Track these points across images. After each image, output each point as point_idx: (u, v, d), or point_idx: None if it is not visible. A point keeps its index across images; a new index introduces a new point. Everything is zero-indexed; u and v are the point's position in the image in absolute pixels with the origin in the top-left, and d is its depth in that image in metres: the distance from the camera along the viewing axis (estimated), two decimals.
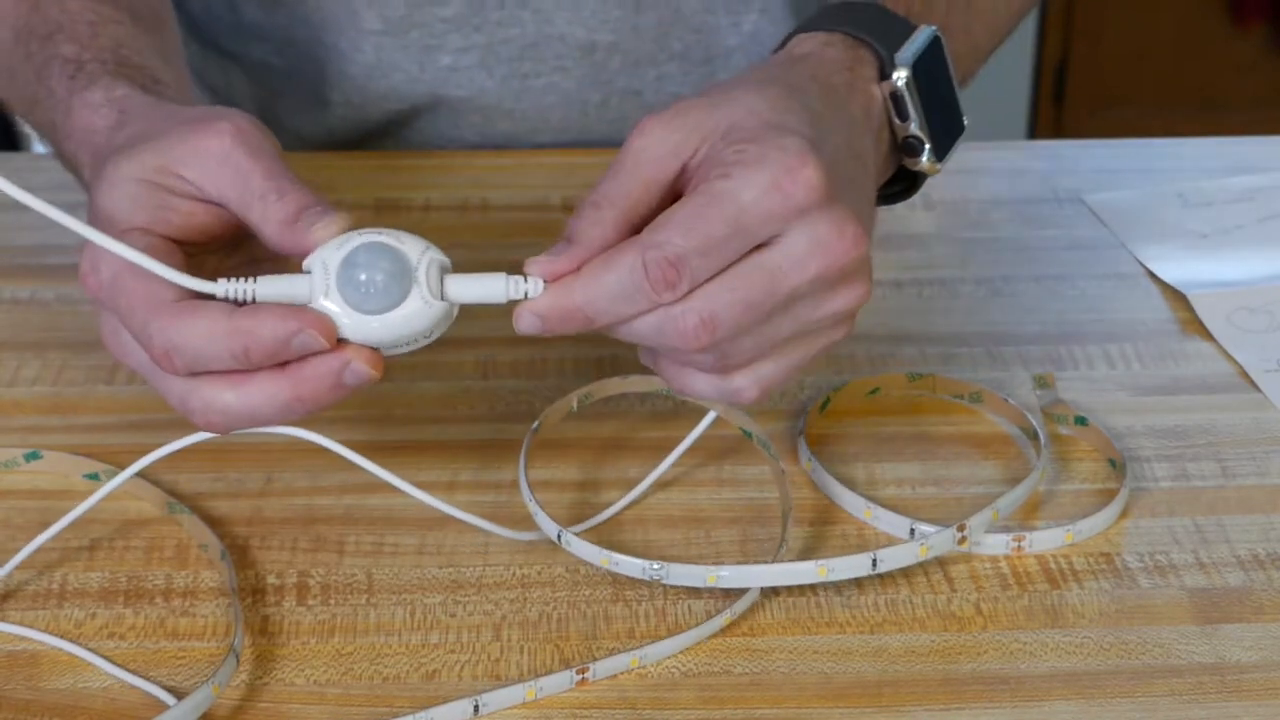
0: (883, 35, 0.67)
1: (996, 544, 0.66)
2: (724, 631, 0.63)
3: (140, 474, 0.68)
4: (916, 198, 0.90)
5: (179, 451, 0.69)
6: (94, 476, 0.70)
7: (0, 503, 0.69)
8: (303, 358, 0.58)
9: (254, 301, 0.58)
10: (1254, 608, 0.64)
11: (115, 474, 0.69)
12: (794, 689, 0.61)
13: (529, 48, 0.96)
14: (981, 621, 0.64)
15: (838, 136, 0.62)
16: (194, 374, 0.59)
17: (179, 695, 0.60)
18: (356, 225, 0.59)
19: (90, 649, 0.62)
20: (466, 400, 0.75)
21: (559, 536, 0.65)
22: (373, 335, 0.58)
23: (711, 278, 0.58)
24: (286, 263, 0.60)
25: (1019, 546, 0.66)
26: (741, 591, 0.63)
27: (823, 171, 0.59)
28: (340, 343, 0.58)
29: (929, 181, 0.91)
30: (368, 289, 0.58)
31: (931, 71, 0.67)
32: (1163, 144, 0.98)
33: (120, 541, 0.67)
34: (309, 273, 0.59)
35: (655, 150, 0.61)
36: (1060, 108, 2.47)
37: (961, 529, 0.65)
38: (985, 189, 0.92)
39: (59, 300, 0.82)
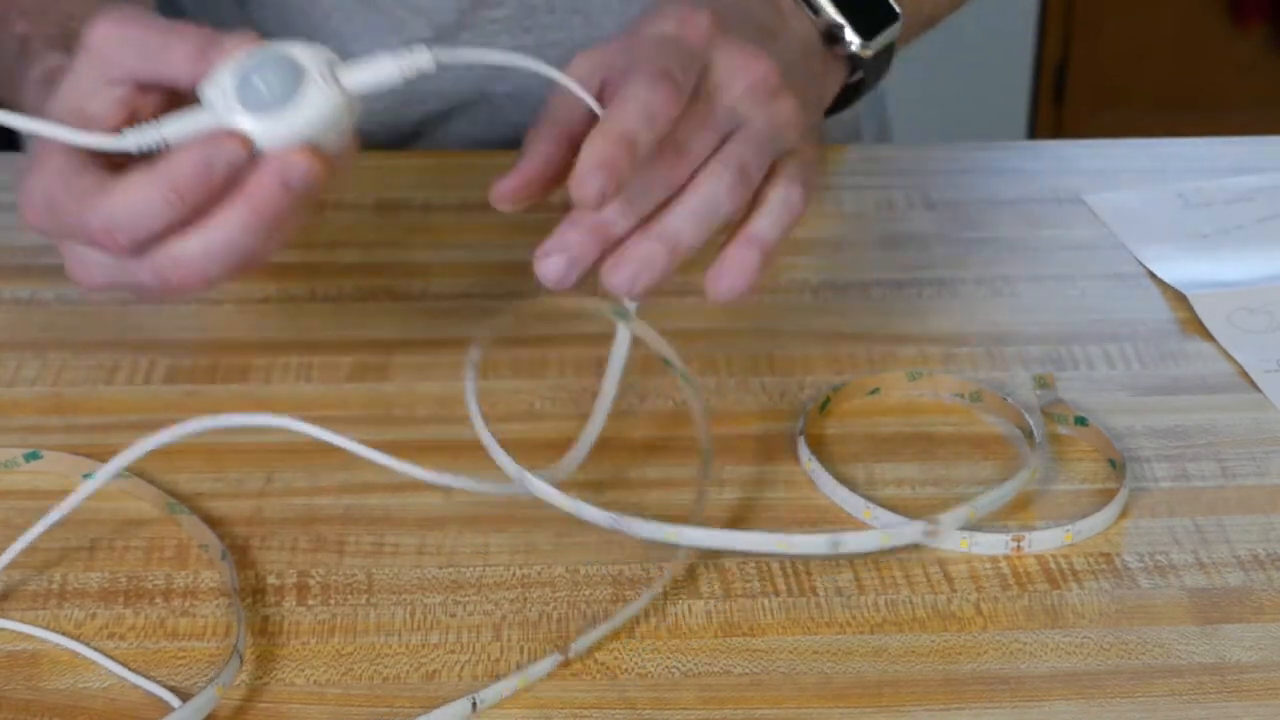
0: None
1: (995, 544, 0.66)
2: (724, 631, 0.63)
3: (140, 474, 0.69)
4: (917, 197, 0.90)
5: (178, 451, 0.69)
6: (93, 476, 0.70)
7: (0, 503, 0.69)
8: (245, 180, 0.60)
9: (165, 144, 0.60)
10: (1254, 608, 0.64)
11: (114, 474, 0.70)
12: (794, 689, 0.61)
13: (577, 49, 0.96)
14: (981, 621, 0.64)
15: (732, 10, 0.69)
16: (145, 246, 0.61)
17: (180, 695, 0.60)
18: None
19: (93, 647, 0.62)
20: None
21: (520, 478, 0.64)
22: (283, 133, 0.60)
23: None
24: None
25: (1018, 546, 0.66)
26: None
27: (712, 14, 0.67)
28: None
29: (929, 181, 0.91)
30: (266, 88, 0.59)
31: None
32: (1163, 144, 0.98)
33: (120, 541, 0.67)
34: (208, 104, 0.60)
35: (578, 72, 0.67)
36: (1060, 108, 2.47)
37: (933, 522, 0.64)
38: (985, 189, 0.92)
39: (59, 300, 0.82)
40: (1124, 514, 0.69)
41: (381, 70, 0.61)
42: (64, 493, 0.69)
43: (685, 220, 0.65)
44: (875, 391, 0.76)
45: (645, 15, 0.69)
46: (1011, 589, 0.65)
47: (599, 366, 0.77)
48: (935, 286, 0.83)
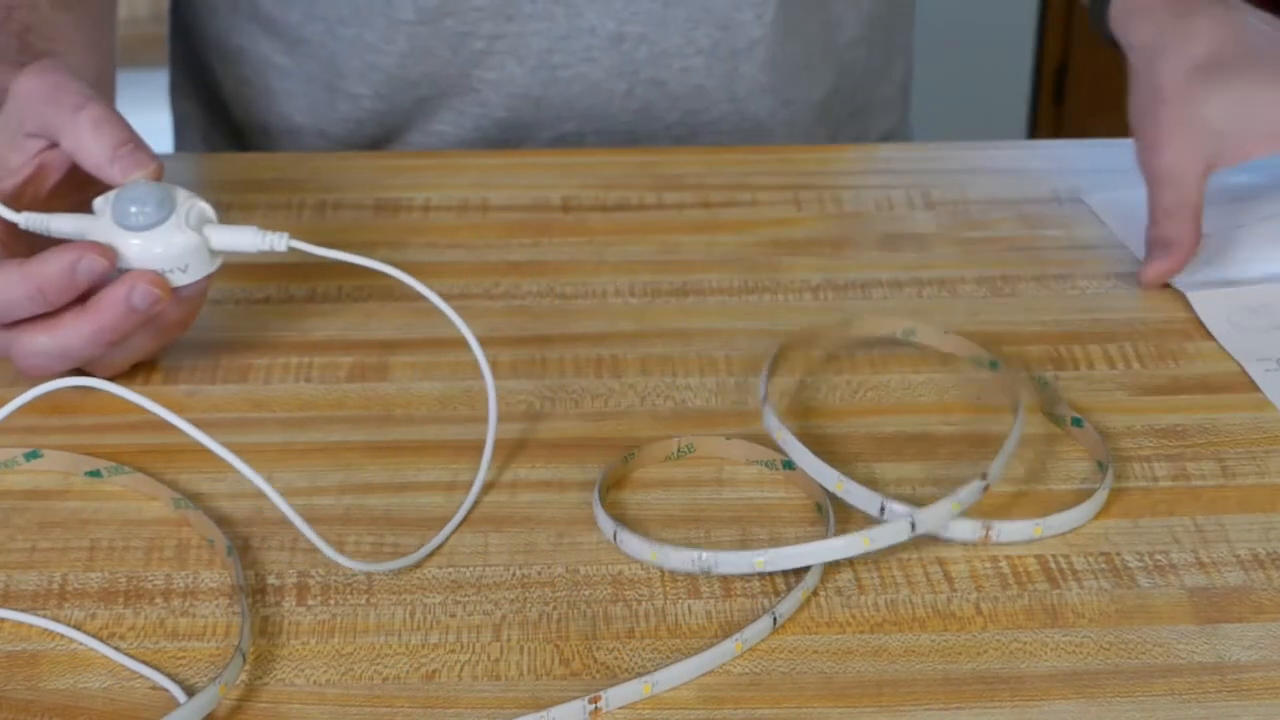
0: None
1: (965, 530, 0.66)
2: (724, 631, 0.63)
3: (145, 470, 0.69)
4: (917, 197, 0.90)
5: (178, 451, 0.69)
6: (95, 474, 0.70)
7: (0, 503, 0.69)
8: (97, 293, 0.69)
9: (49, 232, 0.70)
10: (1254, 607, 0.64)
11: (118, 470, 0.70)
12: (794, 689, 0.61)
13: (560, 40, 0.97)
14: (981, 621, 0.64)
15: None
16: (10, 325, 0.70)
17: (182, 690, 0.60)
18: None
19: (99, 638, 0.62)
20: (466, 400, 0.75)
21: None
22: (134, 253, 0.70)
23: None
24: None
25: (986, 535, 0.66)
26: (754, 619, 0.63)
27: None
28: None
29: (929, 181, 0.92)
30: (136, 213, 0.70)
31: None
32: None
33: (120, 541, 0.67)
34: (96, 212, 0.71)
35: (1181, 164, 0.83)
36: (1060, 108, 2.47)
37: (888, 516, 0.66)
38: (985, 189, 0.92)
39: None
40: (1117, 513, 0.68)
41: (241, 237, 0.71)
42: (64, 492, 0.70)
43: None
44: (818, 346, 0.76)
45: (1202, 95, 0.83)
46: (1011, 589, 0.65)
47: (599, 366, 0.77)
48: (935, 286, 0.83)
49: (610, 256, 0.85)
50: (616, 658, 0.62)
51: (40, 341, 0.70)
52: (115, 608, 0.64)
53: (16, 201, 0.72)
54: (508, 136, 1.00)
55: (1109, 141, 0.98)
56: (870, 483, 0.69)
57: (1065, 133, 2.43)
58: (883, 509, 0.66)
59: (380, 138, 1.01)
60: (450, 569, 0.66)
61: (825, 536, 0.65)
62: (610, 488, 0.70)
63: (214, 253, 0.72)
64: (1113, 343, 0.79)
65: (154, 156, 0.71)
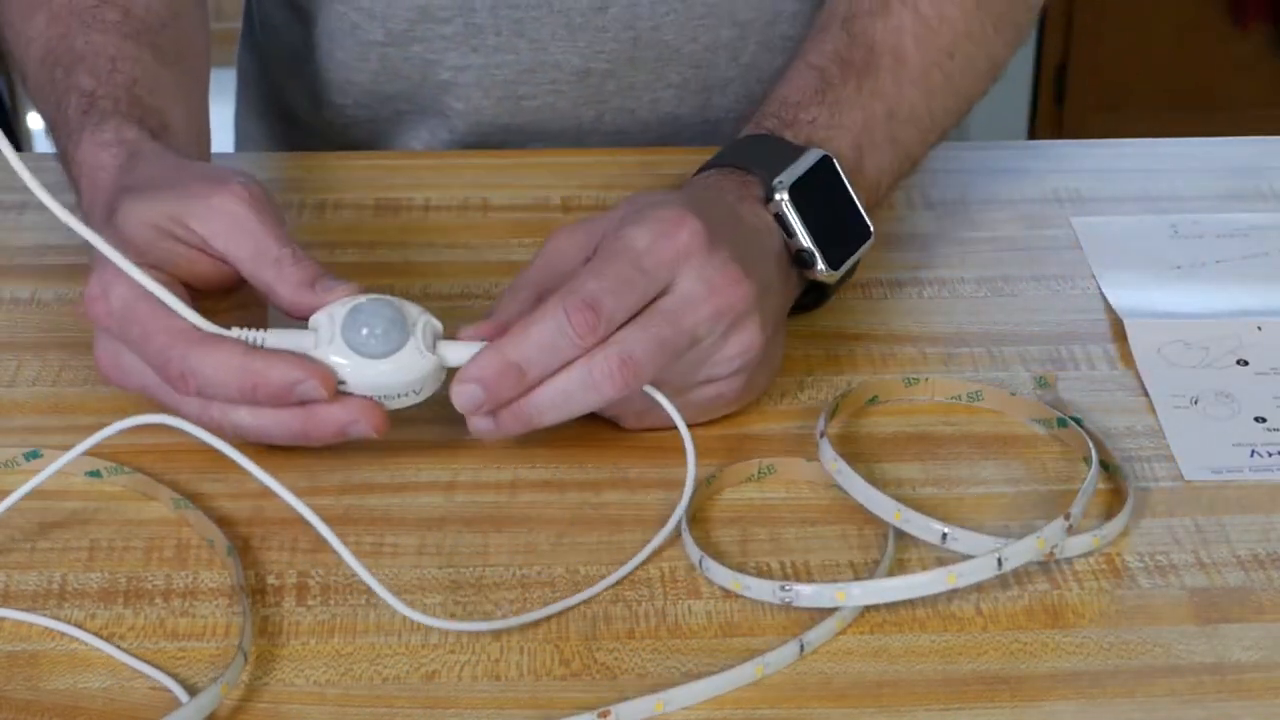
0: (767, 163, 0.74)
1: (1028, 551, 0.65)
2: (724, 631, 0.63)
3: (145, 471, 0.69)
4: (917, 197, 0.90)
5: (179, 451, 0.69)
6: (95, 474, 0.70)
7: (0, 503, 0.69)
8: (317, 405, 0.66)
9: (262, 345, 0.66)
10: (1254, 608, 0.64)
11: (118, 470, 0.70)
12: (794, 689, 0.61)
13: (525, 73, 0.97)
14: (981, 621, 0.64)
15: (723, 216, 0.71)
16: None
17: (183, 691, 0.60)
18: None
19: (100, 637, 0.62)
20: None
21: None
22: (370, 380, 0.66)
23: (624, 325, 0.66)
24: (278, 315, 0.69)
25: (1050, 552, 0.66)
26: (782, 642, 0.62)
27: (703, 224, 0.68)
28: (344, 395, 0.66)
29: (929, 181, 0.91)
30: (369, 336, 0.66)
31: (820, 190, 0.74)
32: (1162, 144, 0.97)
33: (120, 542, 0.67)
34: (314, 329, 0.66)
35: (563, 245, 0.71)
36: (1060, 108, 2.47)
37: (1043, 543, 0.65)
38: (985, 189, 0.92)
39: (59, 300, 0.81)
40: (1105, 513, 0.69)
41: (472, 353, 0.66)
42: (64, 492, 0.69)
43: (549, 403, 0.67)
44: (874, 400, 0.75)
45: (633, 208, 0.69)
46: (1011, 589, 0.65)
47: None
48: (935, 286, 0.83)
49: None
50: (616, 658, 0.62)
51: (240, 415, 0.66)
52: (115, 608, 0.64)
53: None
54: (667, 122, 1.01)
55: (1109, 141, 0.98)
56: (869, 483, 0.69)
57: (1065, 133, 2.43)
58: (944, 537, 0.65)
59: (364, 140, 1.02)
60: (450, 569, 0.66)
61: (880, 560, 0.65)
62: (694, 517, 0.69)
63: (441, 368, 0.67)
64: (1112, 343, 0.79)
65: (354, 284, 0.68)
